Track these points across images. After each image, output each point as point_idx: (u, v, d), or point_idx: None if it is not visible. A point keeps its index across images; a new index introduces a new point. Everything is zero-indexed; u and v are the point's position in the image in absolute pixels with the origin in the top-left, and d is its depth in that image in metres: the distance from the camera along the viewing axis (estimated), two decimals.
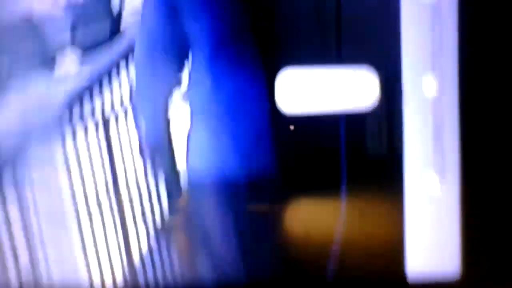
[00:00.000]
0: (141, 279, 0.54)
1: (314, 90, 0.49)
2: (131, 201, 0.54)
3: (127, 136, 0.53)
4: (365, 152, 0.50)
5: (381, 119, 0.49)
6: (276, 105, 0.49)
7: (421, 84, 0.48)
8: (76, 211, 0.53)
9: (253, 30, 0.50)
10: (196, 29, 0.49)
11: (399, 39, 0.48)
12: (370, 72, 0.48)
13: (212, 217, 0.51)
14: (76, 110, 0.52)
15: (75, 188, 0.53)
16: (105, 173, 0.53)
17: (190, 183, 0.51)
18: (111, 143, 0.52)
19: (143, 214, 0.55)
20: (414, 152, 0.48)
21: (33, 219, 0.53)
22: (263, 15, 0.49)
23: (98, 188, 0.52)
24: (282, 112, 0.49)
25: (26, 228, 0.53)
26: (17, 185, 0.52)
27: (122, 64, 0.52)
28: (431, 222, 0.49)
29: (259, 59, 0.50)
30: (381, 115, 0.49)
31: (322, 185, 0.50)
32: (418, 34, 0.48)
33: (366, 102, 0.49)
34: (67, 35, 0.52)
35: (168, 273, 0.54)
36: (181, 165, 0.52)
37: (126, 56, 0.52)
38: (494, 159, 0.48)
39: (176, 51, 0.50)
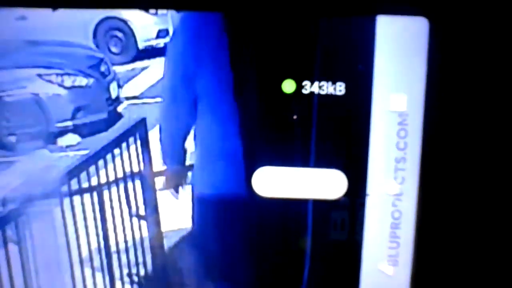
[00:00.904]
0: None
1: (291, 181, 0.55)
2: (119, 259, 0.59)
3: (118, 205, 0.58)
4: (329, 237, 0.56)
5: (346, 210, 0.56)
6: (253, 189, 0.55)
7: (385, 184, 0.54)
8: (71, 266, 0.59)
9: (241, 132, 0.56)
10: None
11: (367, 144, 0.54)
12: (340, 172, 0.55)
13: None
14: (74, 180, 0.58)
15: (71, 246, 0.58)
16: (97, 235, 0.58)
17: None
18: (104, 210, 0.58)
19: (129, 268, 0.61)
20: (372, 239, 0.55)
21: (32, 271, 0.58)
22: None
23: (91, 247, 0.58)
24: (259, 195, 0.55)
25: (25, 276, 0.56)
26: (19, 242, 0.57)
27: (118, 142, 0.58)
28: None
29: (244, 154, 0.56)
30: (346, 207, 0.56)
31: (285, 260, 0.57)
32: (384, 140, 0.54)
33: (335, 195, 0.55)
34: (69, 114, 0.57)
35: None
36: None
37: (122, 135, 0.57)
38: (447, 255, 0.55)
39: None
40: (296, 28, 0.55)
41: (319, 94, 0.55)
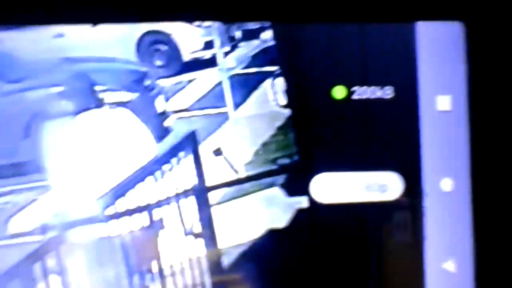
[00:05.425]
0: None
1: (349, 185, 0.51)
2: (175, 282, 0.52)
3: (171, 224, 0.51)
4: (390, 238, 0.52)
5: (405, 211, 0.52)
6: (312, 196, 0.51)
7: (440, 182, 0.51)
8: None
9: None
10: None
11: (419, 144, 0.51)
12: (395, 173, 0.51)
13: None
14: (121, 200, 0.50)
15: (120, 273, 0.50)
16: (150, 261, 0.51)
17: None
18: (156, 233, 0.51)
19: None
20: (433, 238, 0.51)
21: None
22: None
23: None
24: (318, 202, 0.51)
25: None
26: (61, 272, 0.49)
27: (167, 158, 0.51)
28: None
29: None
30: (405, 208, 0.52)
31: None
32: (435, 139, 0.51)
33: (393, 197, 0.51)
34: None
35: None
36: None
37: (171, 150, 0.50)
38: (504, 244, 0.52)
39: None
40: (342, 36, 0.52)
41: (368, 99, 0.52)
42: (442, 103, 0.56)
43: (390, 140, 0.56)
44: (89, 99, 0.54)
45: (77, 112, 0.54)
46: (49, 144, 0.54)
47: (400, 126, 0.56)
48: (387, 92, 0.56)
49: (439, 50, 0.56)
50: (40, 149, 0.54)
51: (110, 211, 0.53)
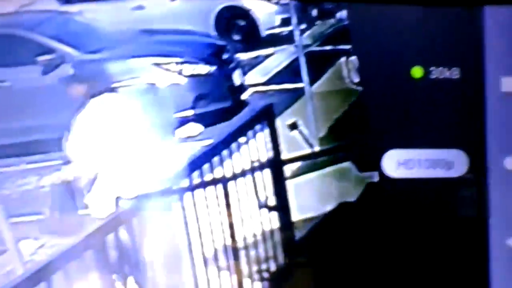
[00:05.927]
0: None
1: (418, 161, 0.52)
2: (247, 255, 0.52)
3: (246, 197, 0.51)
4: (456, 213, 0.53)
5: (470, 188, 0.53)
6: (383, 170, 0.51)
7: (504, 160, 0.52)
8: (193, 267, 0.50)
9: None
10: None
11: (484, 123, 0.53)
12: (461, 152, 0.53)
13: None
14: (196, 173, 0.50)
15: (193, 246, 0.50)
16: (223, 231, 0.51)
17: None
18: (230, 203, 0.51)
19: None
20: (498, 215, 0.52)
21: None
22: None
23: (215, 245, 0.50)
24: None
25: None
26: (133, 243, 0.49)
27: (244, 130, 0.51)
28: None
29: None
30: (470, 185, 0.53)
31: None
32: (500, 119, 0.52)
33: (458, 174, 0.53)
34: (189, 103, 0.51)
35: None
36: None
37: (248, 123, 0.51)
38: None
39: None
40: (412, 17, 0.53)
41: (437, 79, 0.53)
42: (507, 84, 0.57)
43: (457, 119, 0.57)
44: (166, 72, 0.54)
45: (154, 84, 0.54)
46: (126, 115, 0.53)
47: (467, 106, 0.57)
48: (455, 73, 0.57)
49: (505, 33, 0.57)
50: (116, 120, 0.54)
51: (185, 183, 0.54)
